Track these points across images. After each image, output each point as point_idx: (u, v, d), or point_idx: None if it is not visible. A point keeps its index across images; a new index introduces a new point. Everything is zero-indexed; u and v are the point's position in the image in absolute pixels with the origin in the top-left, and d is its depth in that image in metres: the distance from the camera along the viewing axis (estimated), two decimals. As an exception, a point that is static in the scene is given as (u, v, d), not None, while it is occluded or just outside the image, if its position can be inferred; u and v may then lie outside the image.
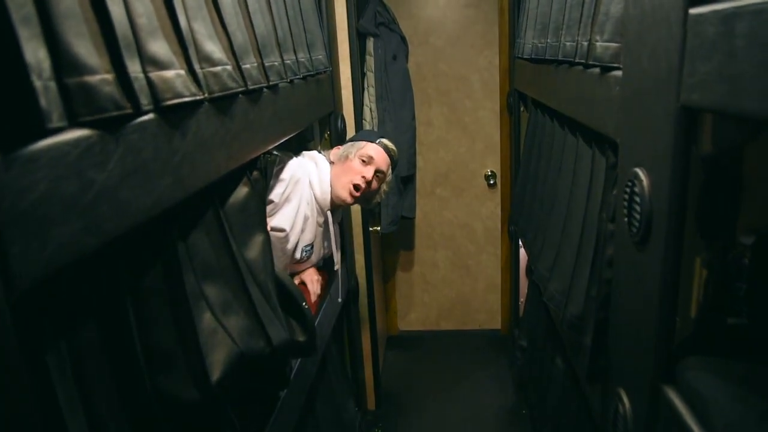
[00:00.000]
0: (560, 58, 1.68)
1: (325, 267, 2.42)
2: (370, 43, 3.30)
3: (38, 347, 0.73)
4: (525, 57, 2.55)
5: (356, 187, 2.07)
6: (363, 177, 2.07)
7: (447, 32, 3.83)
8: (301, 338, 1.46)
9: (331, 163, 2.16)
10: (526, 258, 2.59)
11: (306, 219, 2.03)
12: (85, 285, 0.86)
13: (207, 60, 1.06)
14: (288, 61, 1.62)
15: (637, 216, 0.99)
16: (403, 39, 3.55)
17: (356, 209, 2.91)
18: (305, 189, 2.01)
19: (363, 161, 2.10)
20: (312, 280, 2.19)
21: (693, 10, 0.79)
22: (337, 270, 2.34)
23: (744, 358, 0.92)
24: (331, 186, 2.08)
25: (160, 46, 0.89)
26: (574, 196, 1.57)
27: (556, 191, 1.81)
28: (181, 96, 0.93)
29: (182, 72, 0.95)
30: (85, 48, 0.70)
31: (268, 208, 1.86)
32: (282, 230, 1.93)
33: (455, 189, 4.10)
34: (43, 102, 0.61)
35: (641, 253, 1.00)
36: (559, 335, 1.84)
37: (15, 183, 0.57)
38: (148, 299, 1.00)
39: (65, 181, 0.65)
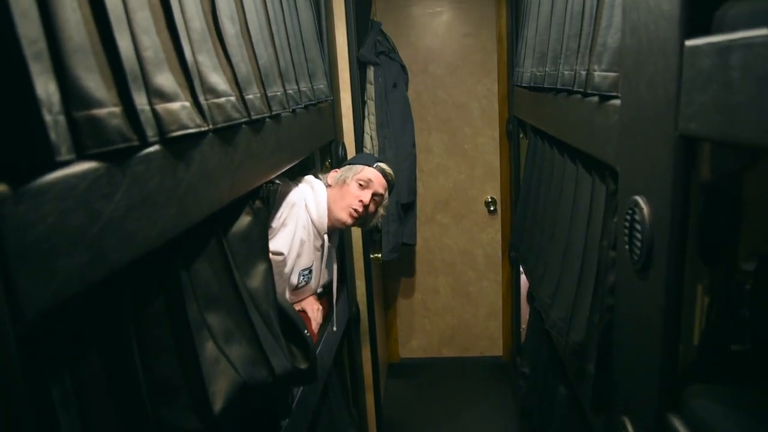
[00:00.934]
0: (559, 86, 1.70)
1: (326, 295, 2.41)
2: (370, 72, 3.34)
3: (42, 377, 0.73)
4: (524, 85, 2.57)
5: (355, 210, 2.07)
6: (361, 201, 2.08)
7: (446, 61, 3.88)
8: (303, 366, 1.46)
9: (329, 186, 2.17)
10: (527, 284, 2.59)
11: (303, 243, 2.03)
12: (89, 314, 0.86)
13: (211, 91, 1.08)
14: (290, 91, 1.64)
15: (638, 243, 1.00)
16: (403, 67, 3.60)
17: (357, 236, 2.91)
18: (301, 213, 2.02)
19: (360, 185, 2.11)
20: (313, 308, 2.18)
21: (689, 42, 0.80)
22: (335, 294, 2.33)
23: (748, 384, 0.91)
24: (329, 209, 2.09)
25: (165, 79, 0.91)
26: (575, 222, 1.58)
27: (557, 218, 1.82)
28: (186, 127, 0.94)
29: (187, 104, 0.97)
30: (94, 81, 0.71)
31: None
32: (280, 254, 1.93)
33: (455, 215, 4.11)
34: (52, 136, 0.62)
35: (643, 281, 1.00)
36: (561, 362, 1.83)
37: (24, 216, 0.58)
38: (151, 329, 1.00)
39: (73, 214, 0.66)
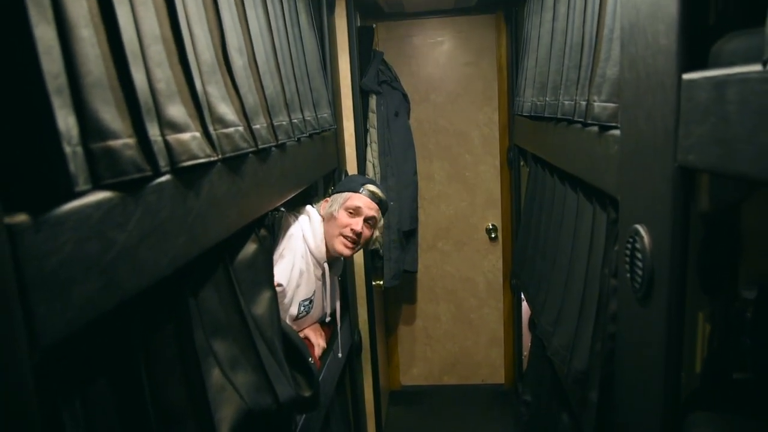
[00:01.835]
0: (559, 115, 1.72)
1: (328, 323, 2.41)
2: (372, 101, 3.38)
3: (54, 401, 0.73)
4: (524, 114, 2.61)
5: (349, 239, 2.07)
6: (352, 230, 2.06)
7: (447, 89, 3.92)
8: (306, 393, 1.46)
9: (322, 217, 2.16)
10: (529, 311, 2.59)
11: (301, 273, 2.03)
12: (99, 341, 0.87)
13: (220, 122, 1.10)
14: (295, 120, 1.67)
15: (639, 272, 1.01)
16: (404, 96, 3.64)
17: (359, 263, 2.92)
18: (299, 243, 2.02)
19: (350, 213, 2.10)
20: (316, 335, 2.18)
21: (686, 76, 0.82)
22: (339, 323, 2.33)
23: (750, 413, 0.92)
24: (325, 239, 2.10)
25: (177, 110, 0.93)
26: (576, 250, 1.59)
27: (558, 245, 1.83)
28: (197, 157, 0.97)
29: (197, 134, 0.99)
30: (110, 114, 0.74)
31: None
32: (279, 285, 1.93)
33: (457, 243, 4.11)
34: (71, 167, 0.64)
35: (644, 309, 1.01)
36: (564, 390, 1.83)
37: (43, 245, 0.60)
38: (159, 355, 1.01)
39: (88, 242, 0.67)
